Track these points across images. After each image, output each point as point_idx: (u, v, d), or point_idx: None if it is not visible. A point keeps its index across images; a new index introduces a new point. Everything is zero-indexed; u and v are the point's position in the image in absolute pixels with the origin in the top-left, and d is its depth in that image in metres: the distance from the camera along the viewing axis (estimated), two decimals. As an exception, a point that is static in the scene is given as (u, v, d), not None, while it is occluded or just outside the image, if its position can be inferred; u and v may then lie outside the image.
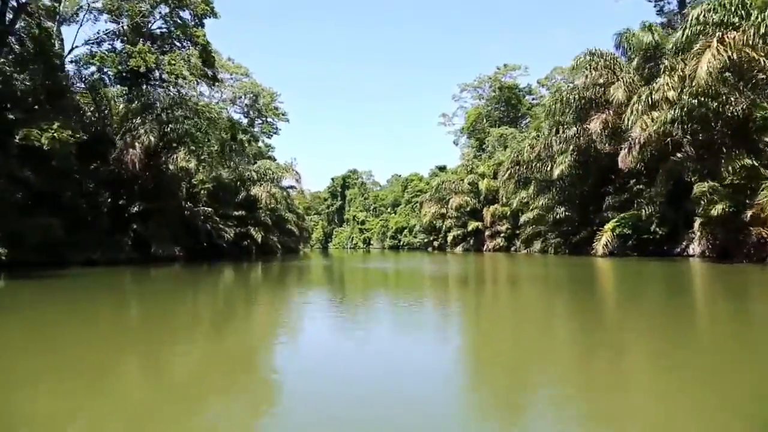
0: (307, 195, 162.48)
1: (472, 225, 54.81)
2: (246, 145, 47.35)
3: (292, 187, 79.76)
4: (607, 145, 29.69)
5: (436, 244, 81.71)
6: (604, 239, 27.40)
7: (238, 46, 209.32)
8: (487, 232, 54.53)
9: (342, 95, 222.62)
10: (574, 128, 30.26)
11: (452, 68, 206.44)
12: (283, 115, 71.25)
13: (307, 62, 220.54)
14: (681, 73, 17.23)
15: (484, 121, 67.75)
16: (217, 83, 44.21)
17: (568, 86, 47.73)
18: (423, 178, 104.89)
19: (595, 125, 26.57)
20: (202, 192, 34.24)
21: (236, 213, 47.29)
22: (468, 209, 56.12)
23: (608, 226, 27.83)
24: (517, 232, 51.76)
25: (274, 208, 51.46)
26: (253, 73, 67.14)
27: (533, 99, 68.90)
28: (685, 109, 18.24)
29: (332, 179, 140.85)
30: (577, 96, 29.89)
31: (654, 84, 19.04)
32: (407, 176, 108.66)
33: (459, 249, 56.21)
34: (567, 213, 35.36)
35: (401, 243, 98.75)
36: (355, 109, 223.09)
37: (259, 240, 46.39)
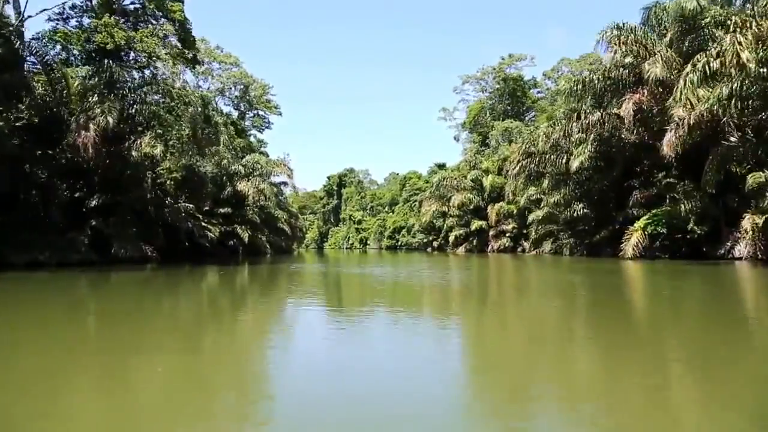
0: (301, 193, 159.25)
1: (476, 224, 51.30)
2: (222, 127, 43.47)
3: (284, 183, 76.33)
4: (634, 132, 26.17)
5: (435, 244, 78.27)
6: (634, 239, 23.88)
7: (233, 46, 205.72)
8: (491, 232, 51.01)
9: (339, 95, 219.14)
10: (597, 113, 26.70)
11: (450, 67, 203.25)
12: (275, 107, 67.61)
13: (304, 63, 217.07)
14: (756, 31, 13.74)
15: (487, 114, 64.18)
16: (198, 66, 40.64)
17: (580, 74, 44.44)
18: (422, 176, 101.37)
19: (627, 107, 23.01)
20: (168, 183, 30.45)
21: (222, 210, 43.77)
22: (471, 207, 52.59)
23: (639, 224, 24.30)
24: (525, 231, 48.32)
25: (263, 206, 47.87)
26: (243, 63, 63.61)
27: (539, 93, 65.44)
28: (753, 78, 14.81)
29: (328, 177, 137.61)
30: (601, 77, 26.35)
31: (710, 49, 15.58)
32: (405, 174, 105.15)
33: (461, 250, 52.71)
34: (584, 210, 31.83)
35: (399, 243, 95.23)
36: (353, 109, 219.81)
37: (246, 239, 42.76)
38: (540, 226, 38.90)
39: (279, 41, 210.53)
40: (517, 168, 35.37)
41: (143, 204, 25.89)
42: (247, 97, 63.61)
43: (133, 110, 24.09)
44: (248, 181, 43.88)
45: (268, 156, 57.22)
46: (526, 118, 61.20)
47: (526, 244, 47.73)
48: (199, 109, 37.18)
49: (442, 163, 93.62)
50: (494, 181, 51.41)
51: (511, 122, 57.64)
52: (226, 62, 59.87)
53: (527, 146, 34.38)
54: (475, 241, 52.55)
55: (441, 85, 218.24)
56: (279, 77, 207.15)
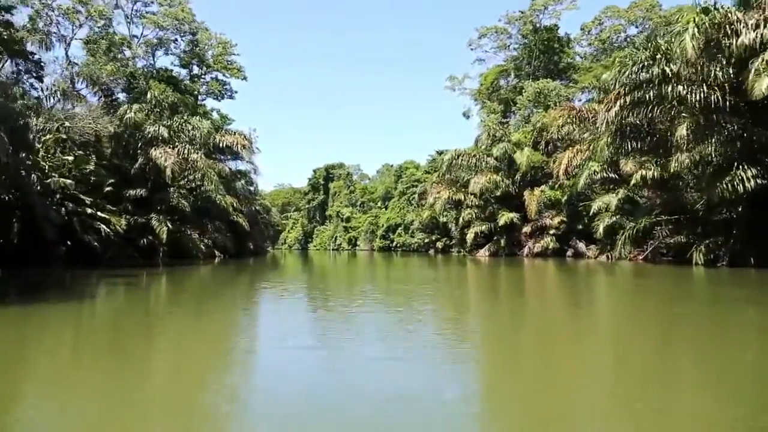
0: (285, 189, 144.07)
1: (505, 217, 36.59)
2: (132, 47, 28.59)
3: (252, 169, 61.67)
4: None
5: (439, 245, 63.94)
6: None
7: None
8: (526, 228, 36.36)
9: (328, 90, 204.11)
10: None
11: (446, 66, 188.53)
12: (238, 70, 52.53)
13: (291, 59, 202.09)
14: None
15: (512, 76, 49.66)
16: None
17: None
18: (420, 166, 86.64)
19: None
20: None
21: (132, 192, 28.85)
22: (498, 194, 37.91)
23: None
24: (579, 227, 33.72)
25: (205, 190, 32.94)
26: (195, 12, 48.46)
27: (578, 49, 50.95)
28: None
29: (314, 171, 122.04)
30: None
31: None
32: (401, 164, 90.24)
33: (483, 253, 37.92)
34: (761, 180, 17.09)
35: (394, 244, 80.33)
36: (341, 104, 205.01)
37: (164, 236, 27.77)
38: (640, 219, 24.14)
39: (264, 37, 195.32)
40: (612, 112, 20.45)
41: None
42: (197, 50, 48.46)
43: None
44: (173, 148, 28.87)
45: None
46: (565, 80, 46.60)
47: (582, 245, 33.12)
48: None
49: (445, 149, 79.23)
50: (532, 158, 36.77)
51: (548, 82, 43.00)
52: (167, 1, 44.71)
53: (635, 72, 19.33)
54: (502, 241, 37.81)
55: (439, 83, 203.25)
56: (268, 73, 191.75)
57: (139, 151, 28.62)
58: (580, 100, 41.91)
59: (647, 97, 18.60)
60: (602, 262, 28.21)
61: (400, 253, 70.63)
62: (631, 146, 23.17)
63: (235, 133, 40.23)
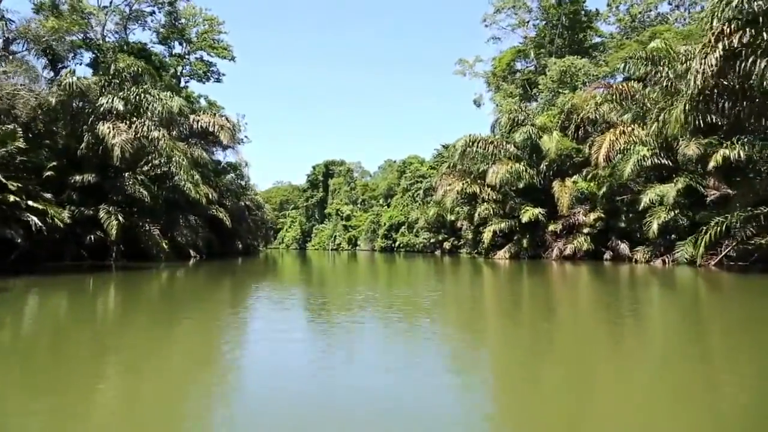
0: (284, 186, 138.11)
1: (529, 213, 31.10)
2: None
3: (241, 165, 56.39)
4: None
5: (447, 246, 58.65)
6: None
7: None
8: (553, 226, 30.90)
9: (332, 88, 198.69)
10: None
11: (448, 62, 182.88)
12: (225, 49, 47.10)
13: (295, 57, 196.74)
14: None
15: (531, 56, 44.17)
16: None
17: None
18: (425, 161, 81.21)
19: None
20: None
21: (77, 178, 23.49)
22: (521, 186, 32.44)
23: None
24: (621, 224, 28.30)
25: (168, 177, 27.51)
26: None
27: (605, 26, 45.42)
28: None
29: (313, 167, 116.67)
30: None
31: None
32: (405, 159, 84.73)
33: (503, 255, 32.42)
34: None
35: (397, 244, 74.84)
36: (345, 101, 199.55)
37: (113, 232, 22.34)
38: (730, 213, 18.65)
39: (263, 35, 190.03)
40: (711, 59, 14.85)
41: None
42: (179, 26, 43.08)
43: None
44: (126, 123, 23.39)
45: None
46: (593, 58, 41.04)
47: (624, 247, 27.70)
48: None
49: (455, 141, 73.79)
50: (562, 143, 31.31)
51: (576, 59, 37.50)
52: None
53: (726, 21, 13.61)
54: (524, 241, 32.34)
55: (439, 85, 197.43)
56: (267, 70, 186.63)
57: (85, 127, 23.15)
58: (613, 80, 36.40)
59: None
60: (656, 267, 22.73)
61: (404, 254, 65.17)
62: (714, 118, 17.61)
63: (215, 114, 34.94)
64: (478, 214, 34.08)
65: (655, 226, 23.36)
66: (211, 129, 30.10)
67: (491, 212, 33.33)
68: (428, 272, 23.86)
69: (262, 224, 59.26)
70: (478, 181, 34.07)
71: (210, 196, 31.26)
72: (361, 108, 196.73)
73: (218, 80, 48.99)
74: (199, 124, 29.91)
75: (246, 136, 48.59)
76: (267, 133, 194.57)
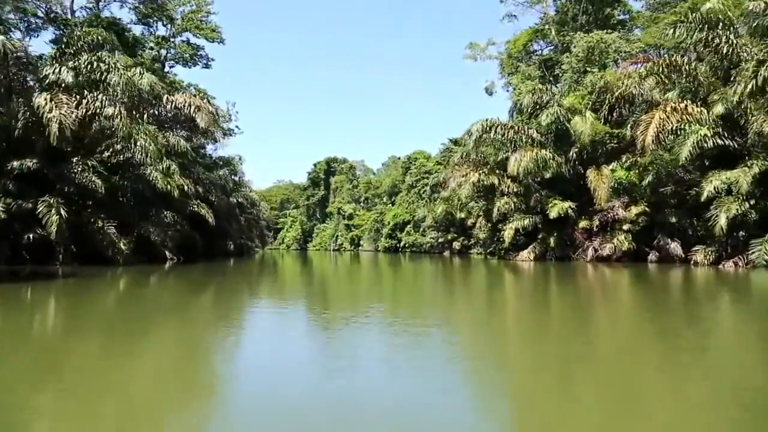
0: (284, 184, 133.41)
1: (558, 207, 26.69)
2: None
3: (234, 160, 52.58)
4: None
5: (456, 246, 54.45)
6: None
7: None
8: (584, 222, 26.53)
9: (334, 86, 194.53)
10: None
11: (450, 57, 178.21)
12: (213, 31, 42.82)
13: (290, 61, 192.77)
14: None
15: (552, 34, 39.66)
16: None
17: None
18: (431, 156, 76.90)
19: None
20: None
21: (15, 164, 19.31)
22: (548, 176, 28.05)
23: None
24: (672, 220, 23.88)
25: (129, 160, 23.14)
26: None
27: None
28: None
29: (314, 165, 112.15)
30: None
31: None
32: (410, 155, 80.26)
33: (526, 256, 27.97)
34: None
35: (402, 244, 70.49)
36: (347, 99, 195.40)
37: (53, 229, 18.04)
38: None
39: (261, 33, 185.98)
40: None
41: None
42: (161, 2, 38.79)
43: None
44: (74, 97, 19.10)
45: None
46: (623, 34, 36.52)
47: (676, 246, 23.31)
48: None
49: (459, 138, 69.38)
50: (596, 126, 26.89)
51: (605, 33, 33.06)
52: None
53: None
54: (551, 240, 27.93)
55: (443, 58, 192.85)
56: (268, 67, 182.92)
57: (21, 101, 18.87)
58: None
59: None
60: (726, 272, 18.29)
61: (410, 254, 60.81)
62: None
63: (195, 94, 30.71)
64: (497, 210, 29.66)
65: (723, 221, 18.96)
66: (187, 111, 25.72)
67: (512, 207, 28.93)
68: (445, 278, 19.50)
69: (257, 223, 54.67)
70: (497, 171, 29.68)
71: (187, 188, 26.91)
72: (363, 107, 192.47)
73: (207, 66, 44.74)
74: (173, 105, 25.61)
75: (237, 126, 44.48)
76: (268, 132, 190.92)
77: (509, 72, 45.60)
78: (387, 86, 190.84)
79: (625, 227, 25.08)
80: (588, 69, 32.22)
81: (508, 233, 28.08)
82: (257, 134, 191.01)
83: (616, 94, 27.13)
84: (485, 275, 20.36)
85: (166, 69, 42.21)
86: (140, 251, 22.94)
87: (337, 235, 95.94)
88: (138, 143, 21.52)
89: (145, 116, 25.26)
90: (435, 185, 60.90)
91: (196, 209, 29.76)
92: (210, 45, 51.82)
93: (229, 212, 40.86)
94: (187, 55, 42.69)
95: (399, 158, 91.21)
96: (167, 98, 25.55)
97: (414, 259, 45.03)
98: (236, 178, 53.14)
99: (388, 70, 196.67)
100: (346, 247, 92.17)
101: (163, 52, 42.32)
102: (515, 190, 29.22)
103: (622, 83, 26.54)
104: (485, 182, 29.30)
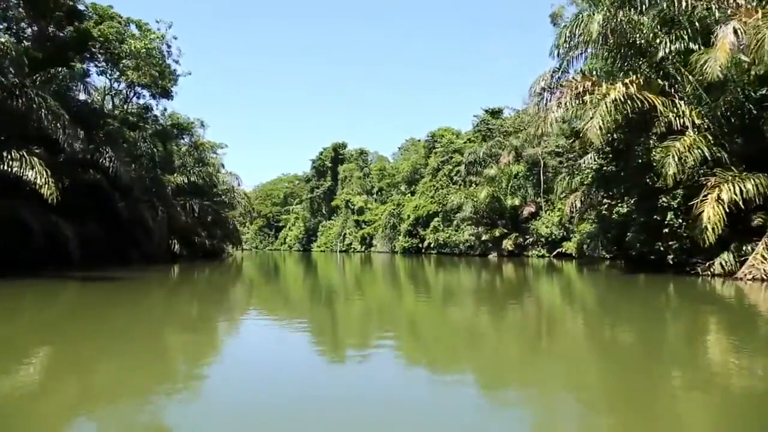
0: (288, 177, 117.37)
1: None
2: None
3: (192, 123, 37.97)
4: None
5: (508, 245, 39.31)
6: None
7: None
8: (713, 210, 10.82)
9: (339, 75, 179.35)
10: None
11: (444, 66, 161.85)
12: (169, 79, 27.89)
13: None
14: None
15: None
16: None
17: None
18: (460, 133, 61.27)
19: None
20: None
21: None
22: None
23: None
24: None
25: None
26: None
27: None
28: None
29: (320, 152, 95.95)
30: None
31: None
32: (434, 132, 64.44)
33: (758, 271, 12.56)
34: None
35: (425, 243, 54.92)
36: (357, 84, 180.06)
37: None
38: None
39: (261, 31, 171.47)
40: None
41: None
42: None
43: None
44: None
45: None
46: None
47: None
48: None
49: (498, 108, 53.63)
50: None
51: None
52: None
53: None
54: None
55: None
56: (268, 65, 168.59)
57: None
58: None
59: None
60: None
61: (436, 257, 45.24)
62: None
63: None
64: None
65: None
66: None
67: (704, 155, 13.21)
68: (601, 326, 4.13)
69: (223, 213, 37.82)
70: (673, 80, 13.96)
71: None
72: (371, 97, 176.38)
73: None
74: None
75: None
76: (271, 130, 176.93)
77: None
78: (398, 69, 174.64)
79: None
80: None
81: (709, 214, 12.32)
82: (258, 132, 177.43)
83: None
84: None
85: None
86: None
87: (345, 234, 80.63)
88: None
89: None
90: (472, 163, 45.39)
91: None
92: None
93: (161, 197, 25.58)
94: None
95: (419, 140, 75.48)
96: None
97: (448, 266, 29.62)
98: (197, 153, 37.95)
99: (391, 68, 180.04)
100: (355, 247, 76.88)
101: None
102: (701, 123, 13.49)
103: None
104: (650, 100, 13.49)
